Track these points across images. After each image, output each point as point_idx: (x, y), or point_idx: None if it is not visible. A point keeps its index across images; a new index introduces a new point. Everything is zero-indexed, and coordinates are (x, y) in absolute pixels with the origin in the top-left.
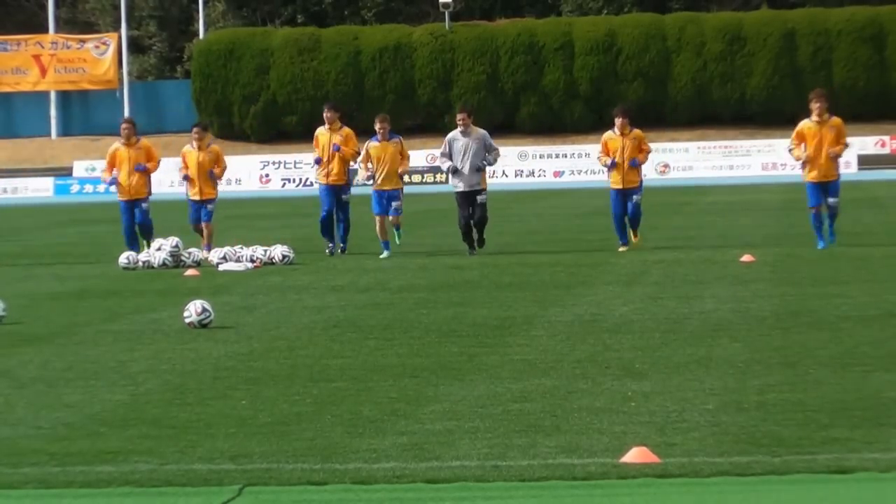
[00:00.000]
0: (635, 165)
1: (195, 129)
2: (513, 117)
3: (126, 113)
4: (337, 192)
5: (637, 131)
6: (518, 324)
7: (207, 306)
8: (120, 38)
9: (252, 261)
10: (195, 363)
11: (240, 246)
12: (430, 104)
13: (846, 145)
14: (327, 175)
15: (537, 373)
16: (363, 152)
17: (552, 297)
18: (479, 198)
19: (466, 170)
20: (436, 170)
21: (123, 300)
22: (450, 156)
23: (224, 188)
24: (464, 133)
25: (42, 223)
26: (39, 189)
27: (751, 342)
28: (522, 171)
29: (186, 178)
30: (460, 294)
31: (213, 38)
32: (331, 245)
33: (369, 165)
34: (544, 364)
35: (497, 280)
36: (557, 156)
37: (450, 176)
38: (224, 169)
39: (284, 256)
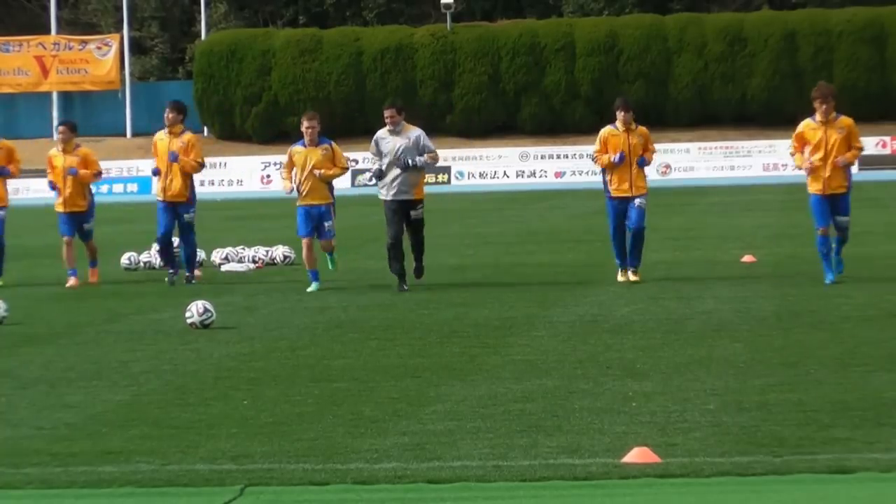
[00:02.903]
0: (643, 165)
1: (61, 129)
2: (514, 118)
3: (128, 114)
4: (176, 211)
5: (643, 129)
6: (519, 324)
7: (209, 307)
8: (122, 39)
9: (254, 261)
10: (197, 363)
11: (241, 247)
12: (431, 105)
13: (860, 149)
14: (165, 190)
15: (539, 373)
16: (286, 158)
17: (553, 297)
18: (414, 213)
19: (396, 174)
20: (437, 170)
21: (125, 301)
22: (379, 157)
23: (225, 189)
24: (393, 132)
25: (44, 224)
26: (41, 190)
27: (752, 342)
28: (524, 172)
29: (53, 186)
30: (461, 294)
31: (215, 39)
32: (171, 272)
33: (293, 175)
34: (546, 364)
35: (498, 280)
36: (559, 156)
37: (377, 181)
38: (98, 174)
39: (286, 257)
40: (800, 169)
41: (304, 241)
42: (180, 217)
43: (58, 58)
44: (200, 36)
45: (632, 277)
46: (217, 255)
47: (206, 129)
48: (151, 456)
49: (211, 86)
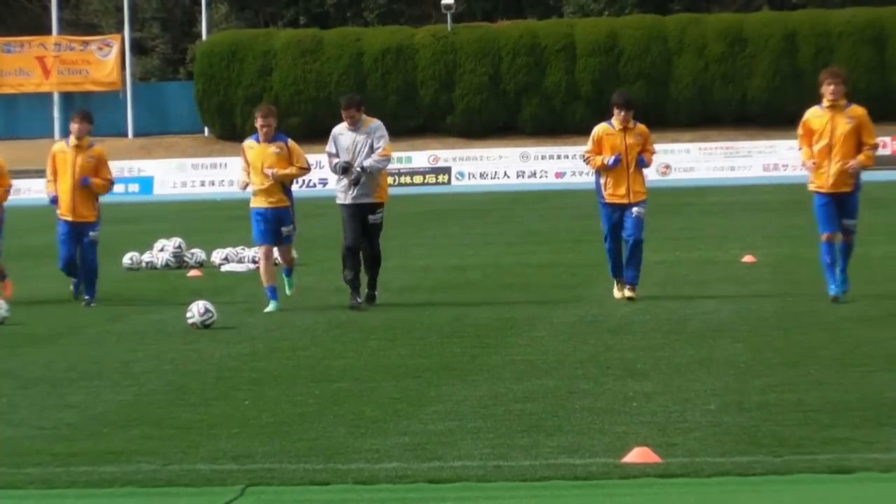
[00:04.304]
0: (642, 165)
1: None
2: (514, 118)
3: (129, 114)
4: (80, 232)
5: (642, 127)
6: (520, 324)
7: (210, 307)
8: (123, 39)
9: (254, 261)
10: (198, 364)
11: (241, 247)
12: (432, 105)
13: (874, 146)
14: (72, 209)
15: (539, 373)
16: (241, 154)
17: (554, 297)
18: (373, 217)
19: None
20: (437, 170)
21: (126, 301)
22: (337, 155)
23: (225, 189)
24: (352, 128)
25: (44, 224)
26: (42, 190)
27: (752, 343)
28: (524, 172)
29: None
30: (462, 295)
31: (216, 40)
32: (85, 297)
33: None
34: (546, 364)
35: (499, 281)
36: (559, 157)
37: (338, 180)
38: (8, 189)
39: None
40: (804, 165)
41: (261, 251)
42: (83, 238)
43: (59, 58)
44: (201, 36)
45: (627, 294)
46: (217, 256)
47: (206, 129)
48: (152, 456)
49: (212, 86)
